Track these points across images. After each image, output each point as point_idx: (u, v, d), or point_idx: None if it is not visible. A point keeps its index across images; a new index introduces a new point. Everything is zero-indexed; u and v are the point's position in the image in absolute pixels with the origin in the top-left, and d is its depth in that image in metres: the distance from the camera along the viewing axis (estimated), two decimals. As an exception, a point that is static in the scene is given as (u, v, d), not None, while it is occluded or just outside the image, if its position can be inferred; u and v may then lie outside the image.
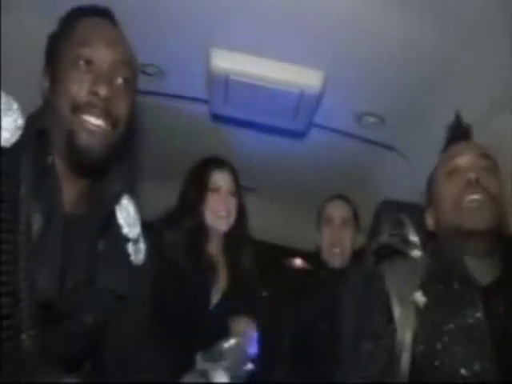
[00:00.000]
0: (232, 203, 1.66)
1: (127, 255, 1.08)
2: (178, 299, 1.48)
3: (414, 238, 1.17)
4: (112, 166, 1.00)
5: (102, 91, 0.89)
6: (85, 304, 0.97)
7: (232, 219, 1.66)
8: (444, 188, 1.11)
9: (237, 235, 1.69)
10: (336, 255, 1.87)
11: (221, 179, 1.66)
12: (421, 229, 1.17)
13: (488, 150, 1.13)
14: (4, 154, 0.83)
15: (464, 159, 1.11)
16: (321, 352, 1.67)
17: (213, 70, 1.49)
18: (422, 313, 1.02)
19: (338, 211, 1.95)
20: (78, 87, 0.89)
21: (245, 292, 1.61)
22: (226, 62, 1.47)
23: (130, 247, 1.09)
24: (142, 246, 1.13)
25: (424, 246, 1.15)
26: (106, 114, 0.91)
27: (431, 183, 1.19)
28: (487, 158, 1.11)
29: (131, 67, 0.98)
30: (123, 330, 1.09)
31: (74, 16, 0.97)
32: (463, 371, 0.95)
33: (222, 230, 1.66)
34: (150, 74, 1.58)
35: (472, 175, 1.06)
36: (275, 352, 1.79)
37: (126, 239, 1.08)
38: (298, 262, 2.02)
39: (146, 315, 1.19)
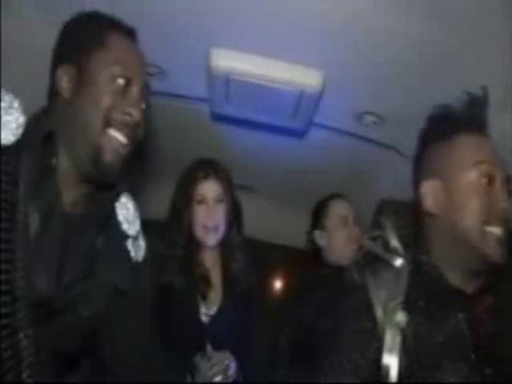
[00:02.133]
0: (220, 212, 1.63)
1: (127, 252, 1.09)
2: (170, 319, 1.48)
3: (394, 243, 1.12)
4: None
5: (136, 114, 0.94)
6: (82, 299, 0.98)
7: (222, 229, 1.64)
8: (473, 197, 1.00)
9: (229, 243, 1.68)
10: (353, 252, 1.84)
11: (207, 189, 1.64)
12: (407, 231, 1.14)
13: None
14: (4, 153, 0.84)
15: (498, 174, 1.01)
16: (321, 351, 1.67)
17: (213, 70, 1.49)
18: (405, 330, 0.98)
19: (351, 211, 1.94)
20: (113, 104, 0.93)
21: (242, 300, 1.62)
22: (226, 61, 1.47)
23: (130, 244, 1.10)
24: (141, 243, 1.14)
25: (406, 249, 1.11)
26: (132, 136, 0.95)
27: (442, 161, 1.06)
28: (510, 180, 1.04)
29: (148, 88, 1.04)
30: (123, 325, 1.10)
31: (105, 26, 0.99)
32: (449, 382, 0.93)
33: (211, 245, 1.64)
34: (151, 74, 1.58)
35: (504, 204, 0.99)
36: (275, 351, 1.80)
37: (126, 236, 1.09)
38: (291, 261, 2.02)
39: (146, 311, 1.19)
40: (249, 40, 1.42)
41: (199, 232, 1.62)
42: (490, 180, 1.01)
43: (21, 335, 0.80)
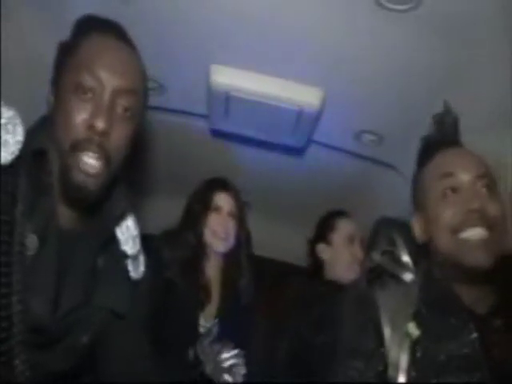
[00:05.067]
0: (231, 225, 1.70)
1: (126, 271, 1.07)
2: (168, 318, 1.49)
3: (406, 258, 1.13)
4: (111, 190, 0.98)
5: (100, 125, 0.86)
6: (81, 324, 0.95)
7: (231, 241, 1.70)
8: (440, 210, 1.01)
9: (236, 260, 1.72)
10: (354, 272, 1.83)
11: (223, 200, 1.72)
12: (415, 248, 1.15)
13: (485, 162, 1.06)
14: (2, 172, 0.82)
15: (463, 179, 1.00)
16: (320, 366, 1.65)
17: (213, 86, 1.50)
18: (415, 342, 0.96)
19: (357, 230, 1.93)
20: (77, 120, 0.86)
21: (239, 316, 1.63)
22: (226, 78, 1.48)
23: (130, 263, 1.08)
24: (141, 259, 1.12)
25: (415, 265, 1.12)
26: (101, 150, 0.87)
27: (418, 189, 1.11)
28: (486, 174, 1.02)
29: (136, 94, 0.94)
30: (121, 345, 1.08)
31: (82, 30, 0.94)
32: None
33: (219, 252, 1.69)
34: (149, 89, 1.58)
35: (475, 204, 0.96)
36: (273, 366, 1.77)
37: (125, 255, 1.06)
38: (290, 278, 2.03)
39: (144, 332, 1.17)
40: (249, 57, 1.43)
41: (209, 238, 1.68)
42: (452, 189, 1.01)
43: (17, 361, 0.78)
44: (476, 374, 0.92)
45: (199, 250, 1.68)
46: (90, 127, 0.86)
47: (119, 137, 0.90)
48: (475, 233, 0.96)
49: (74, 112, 0.86)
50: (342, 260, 1.90)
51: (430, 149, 1.11)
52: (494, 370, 0.92)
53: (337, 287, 1.80)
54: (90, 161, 0.87)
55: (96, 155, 0.87)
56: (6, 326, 0.77)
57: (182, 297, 1.57)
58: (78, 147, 0.86)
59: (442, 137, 1.12)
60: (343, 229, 1.95)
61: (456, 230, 0.98)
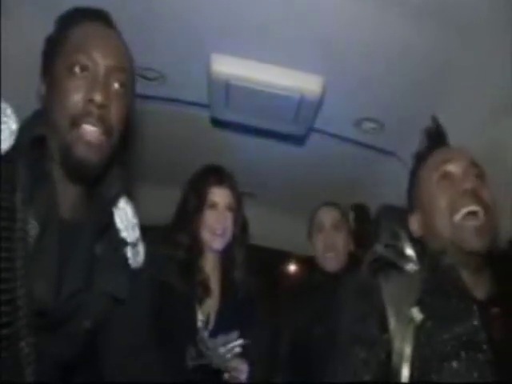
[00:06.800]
0: (229, 219, 1.65)
1: (125, 259, 1.08)
2: (165, 318, 1.46)
3: (409, 251, 1.16)
4: (108, 170, 1.00)
5: (98, 98, 0.89)
6: (83, 309, 0.97)
7: (228, 236, 1.65)
8: (435, 196, 1.06)
9: (232, 251, 1.68)
10: (331, 259, 1.90)
11: (218, 195, 1.65)
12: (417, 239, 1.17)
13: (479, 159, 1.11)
14: (1, 160, 0.83)
15: (456, 166, 1.06)
16: (319, 357, 1.67)
17: (213, 75, 1.50)
18: (418, 328, 0.97)
19: (327, 217, 1.98)
20: (74, 97, 0.89)
21: (240, 309, 1.61)
22: (226, 66, 1.48)
23: (129, 251, 1.09)
24: (140, 248, 1.13)
25: (419, 258, 1.14)
26: (102, 122, 0.91)
27: (415, 188, 1.15)
28: (477, 165, 1.07)
29: (127, 72, 0.98)
30: (122, 333, 1.09)
31: (70, 20, 0.97)
32: None
33: (217, 249, 1.65)
34: (150, 79, 1.58)
35: (468, 185, 1.01)
36: (274, 359, 1.80)
37: (125, 243, 1.08)
38: (292, 268, 2.04)
39: (145, 319, 1.19)
40: (249, 46, 1.42)
41: (206, 236, 1.63)
42: (446, 175, 1.06)
43: (22, 343, 0.80)
44: (479, 356, 0.93)
45: (195, 250, 1.62)
46: (89, 101, 0.89)
47: (117, 111, 0.94)
48: (470, 210, 1.00)
49: (70, 91, 0.90)
50: (315, 250, 1.97)
51: (423, 155, 1.17)
52: (496, 354, 0.93)
53: (329, 277, 1.88)
54: (92, 130, 0.90)
55: (96, 125, 0.90)
56: (11, 310, 0.79)
57: (179, 297, 1.53)
58: (78, 121, 0.89)
59: (434, 145, 1.17)
60: (314, 219, 2.01)
61: (452, 212, 1.02)
